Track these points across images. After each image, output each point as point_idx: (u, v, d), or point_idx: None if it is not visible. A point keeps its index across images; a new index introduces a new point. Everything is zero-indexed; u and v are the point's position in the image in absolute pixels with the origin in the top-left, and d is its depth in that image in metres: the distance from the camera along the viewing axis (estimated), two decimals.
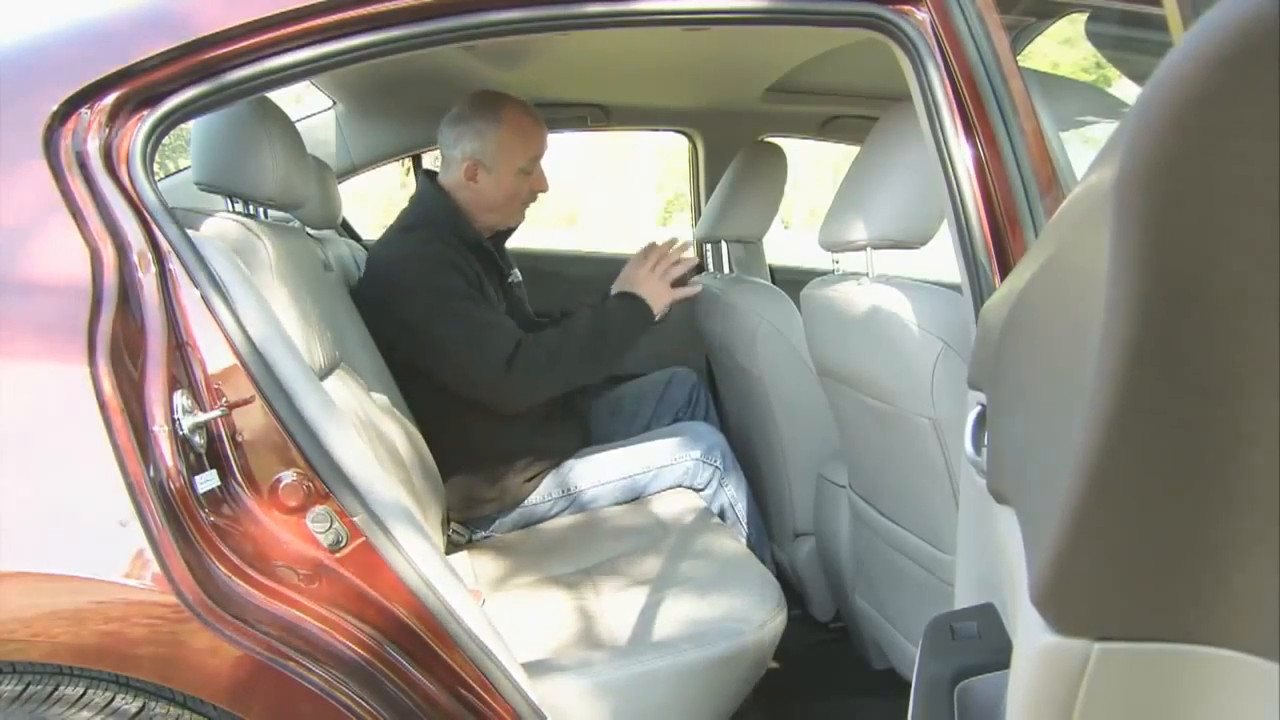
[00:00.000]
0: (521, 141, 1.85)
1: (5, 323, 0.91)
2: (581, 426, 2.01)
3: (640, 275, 1.78)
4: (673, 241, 1.84)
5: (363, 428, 1.31)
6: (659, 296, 1.76)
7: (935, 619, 0.77)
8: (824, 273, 1.50)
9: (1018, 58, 1.05)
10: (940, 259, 1.29)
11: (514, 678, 1.09)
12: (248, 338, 1.00)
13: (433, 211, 1.86)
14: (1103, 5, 1.27)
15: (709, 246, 2.60)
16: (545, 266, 2.59)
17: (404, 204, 1.96)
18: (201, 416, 0.94)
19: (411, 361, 1.74)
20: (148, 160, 1.00)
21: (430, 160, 2.53)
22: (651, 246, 1.84)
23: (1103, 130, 1.30)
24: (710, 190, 2.43)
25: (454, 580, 1.09)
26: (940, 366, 1.17)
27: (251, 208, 1.41)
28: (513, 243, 2.10)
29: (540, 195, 1.97)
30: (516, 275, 2.08)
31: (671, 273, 1.78)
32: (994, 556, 0.70)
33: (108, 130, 0.98)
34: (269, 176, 1.33)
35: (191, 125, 1.31)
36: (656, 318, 1.75)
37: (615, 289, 1.82)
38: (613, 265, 1.93)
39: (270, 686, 0.93)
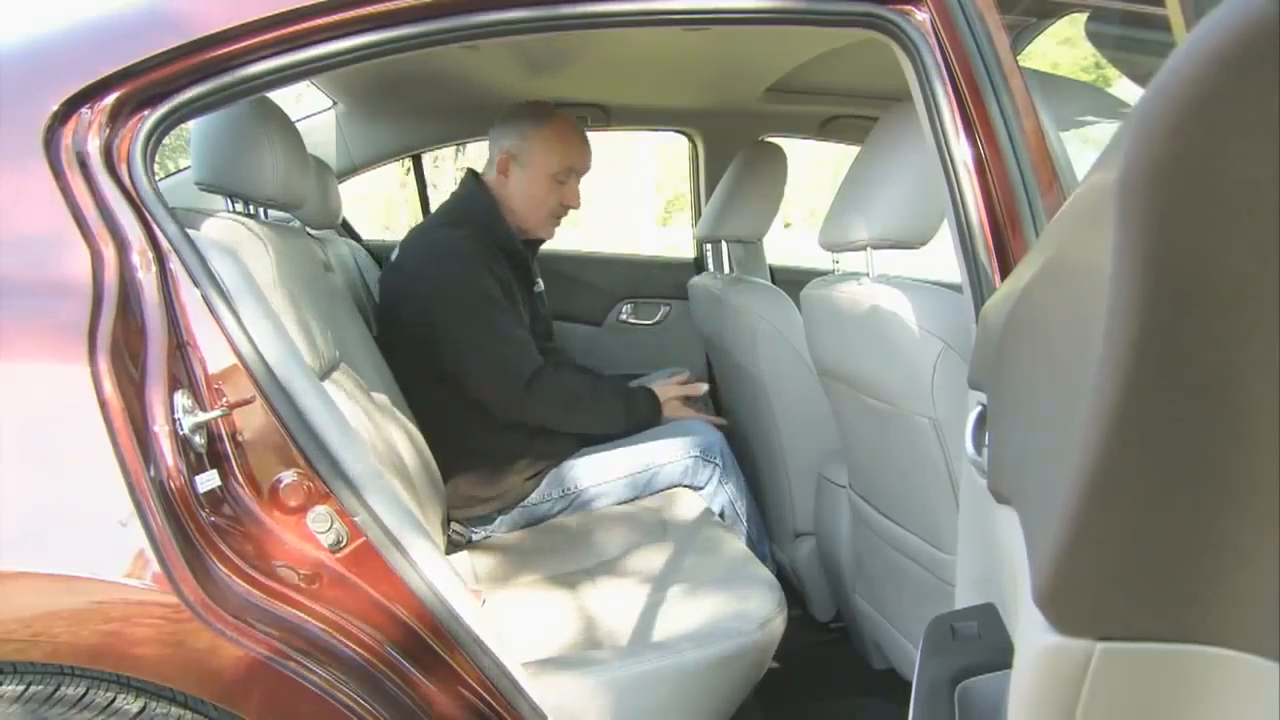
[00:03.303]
0: (562, 147, 1.89)
1: (6, 322, 0.91)
2: None
3: (669, 390, 1.98)
4: (698, 385, 2.06)
5: (363, 428, 1.30)
6: (671, 409, 1.96)
7: (935, 619, 0.77)
8: (824, 273, 1.50)
9: (1018, 58, 1.05)
10: (940, 259, 1.29)
11: (514, 678, 1.08)
12: (248, 337, 1.00)
13: (471, 207, 1.90)
14: (1103, 5, 1.27)
15: (709, 246, 2.60)
16: (554, 267, 2.60)
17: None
18: (202, 416, 0.94)
19: (427, 356, 1.76)
20: (148, 160, 1.00)
21: (431, 160, 2.53)
22: (690, 382, 2.06)
23: (1103, 130, 1.30)
24: (710, 190, 2.43)
25: (454, 580, 1.09)
26: (940, 366, 1.17)
27: (251, 208, 1.41)
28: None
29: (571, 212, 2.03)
30: (540, 285, 2.09)
31: (692, 403, 2.03)
32: (995, 556, 0.70)
33: (108, 130, 0.98)
34: (269, 176, 1.33)
35: (191, 125, 1.31)
36: (659, 423, 1.94)
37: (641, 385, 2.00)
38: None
39: (271, 686, 0.93)
